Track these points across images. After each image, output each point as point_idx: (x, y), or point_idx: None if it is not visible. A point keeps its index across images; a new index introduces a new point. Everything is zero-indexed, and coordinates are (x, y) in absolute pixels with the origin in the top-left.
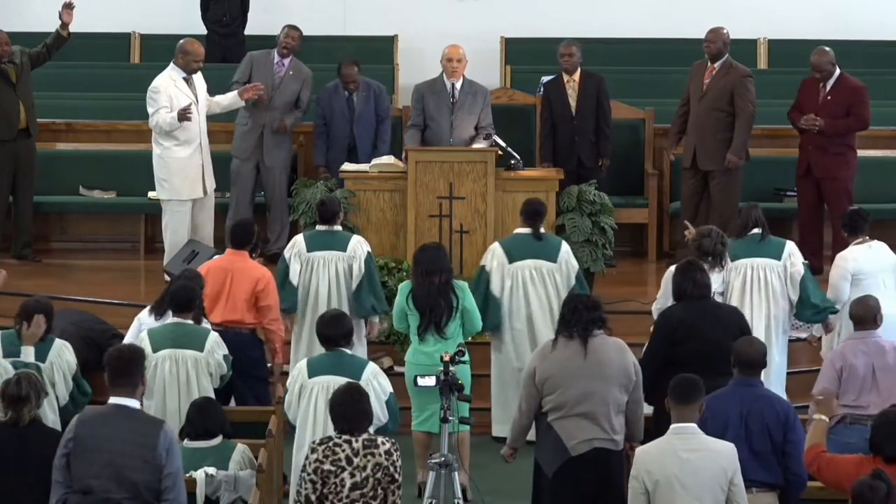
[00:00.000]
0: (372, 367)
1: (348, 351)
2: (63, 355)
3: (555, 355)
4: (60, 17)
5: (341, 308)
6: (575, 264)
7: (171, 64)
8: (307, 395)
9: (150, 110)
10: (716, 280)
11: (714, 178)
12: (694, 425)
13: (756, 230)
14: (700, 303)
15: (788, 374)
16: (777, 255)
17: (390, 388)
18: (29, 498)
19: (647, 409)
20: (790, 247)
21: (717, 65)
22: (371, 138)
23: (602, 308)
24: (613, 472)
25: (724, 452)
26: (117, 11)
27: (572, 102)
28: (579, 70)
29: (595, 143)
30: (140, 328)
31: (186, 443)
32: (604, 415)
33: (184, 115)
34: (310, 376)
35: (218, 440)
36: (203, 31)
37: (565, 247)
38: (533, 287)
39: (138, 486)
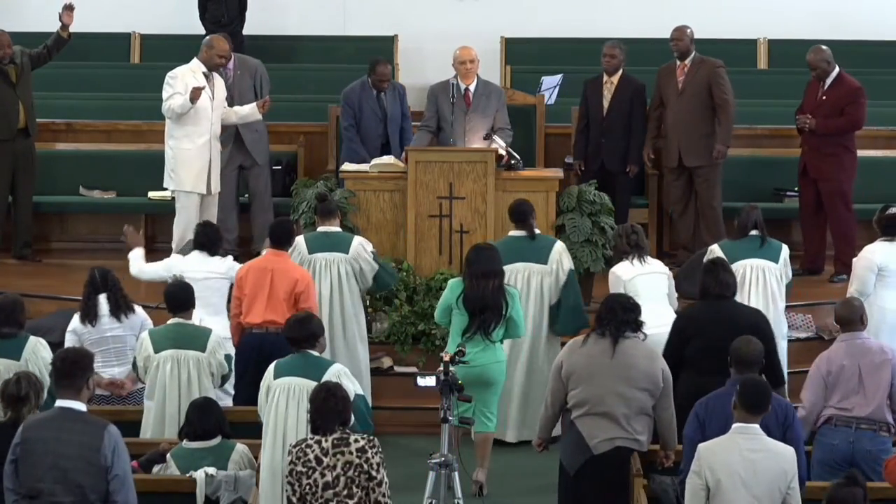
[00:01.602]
0: (335, 369)
1: (314, 353)
2: (38, 352)
3: (583, 350)
4: (61, 19)
5: (344, 310)
6: (567, 265)
7: (195, 58)
8: (271, 397)
9: (164, 95)
10: (642, 268)
11: (699, 174)
12: (757, 426)
13: (755, 232)
14: (717, 302)
15: (788, 373)
16: (775, 258)
17: (358, 390)
18: None
19: None
20: (785, 250)
21: (687, 62)
22: (398, 137)
23: (639, 311)
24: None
25: (786, 455)
26: (117, 11)
27: (605, 104)
28: (620, 72)
29: (622, 148)
30: (79, 339)
31: (185, 443)
32: (623, 416)
33: (195, 94)
34: (275, 378)
35: (217, 440)
36: (202, 31)
37: (558, 247)
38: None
39: (84, 488)
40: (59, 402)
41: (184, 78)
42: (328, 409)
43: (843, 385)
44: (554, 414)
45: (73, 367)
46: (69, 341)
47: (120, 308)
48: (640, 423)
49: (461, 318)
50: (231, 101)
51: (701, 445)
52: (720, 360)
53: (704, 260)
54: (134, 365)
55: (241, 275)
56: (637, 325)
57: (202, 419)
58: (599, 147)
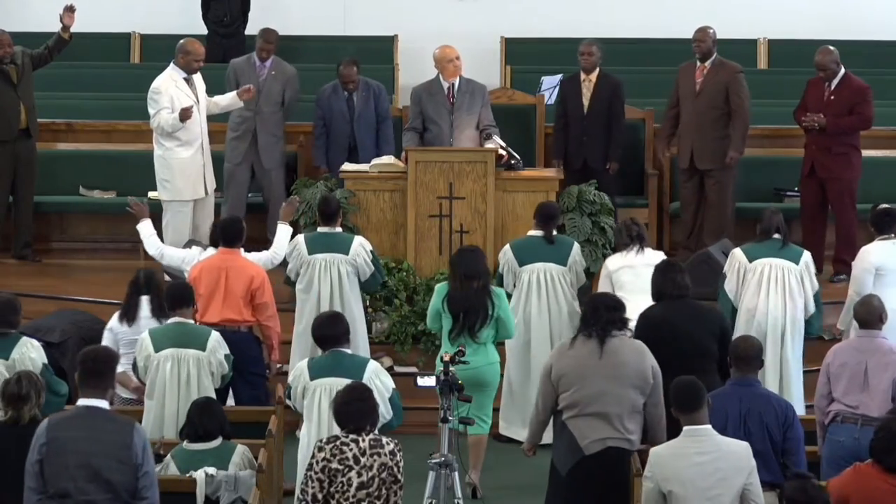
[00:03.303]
0: (373, 366)
1: (347, 350)
2: (26, 353)
3: (571, 353)
4: (62, 20)
5: (344, 311)
6: (585, 266)
7: (172, 64)
8: (310, 397)
9: (151, 111)
10: (633, 259)
11: (711, 176)
12: (707, 426)
13: (777, 235)
14: (679, 302)
15: (806, 372)
16: (795, 260)
17: (392, 385)
18: None
19: None
20: (807, 256)
21: (707, 63)
22: (372, 138)
23: (624, 309)
24: (627, 471)
25: (739, 453)
26: (117, 11)
27: (585, 102)
28: (597, 70)
29: (604, 146)
30: (115, 338)
31: (186, 444)
32: (616, 415)
33: (185, 115)
34: (311, 378)
35: (217, 441)
36: (203, 31)
37: (576, 248)
38: (537, 290)
39: (116, 486)
40: (84, 401)
41: (167, 90)
42: (366, 409)
43: (847, 380)
44: (546, 418)
45: (102, 367)
46: (106, 339)
47: (162, 310)
48: (633, 422)
49: (448, 321)
50: (256, 97)
51: (652, 451)
52: (690, 360)
53: (729, 266)
54: (134, 366)
55: (193, 276)
56: (623, 323)
57: (203, 419)
58: (582, 145)
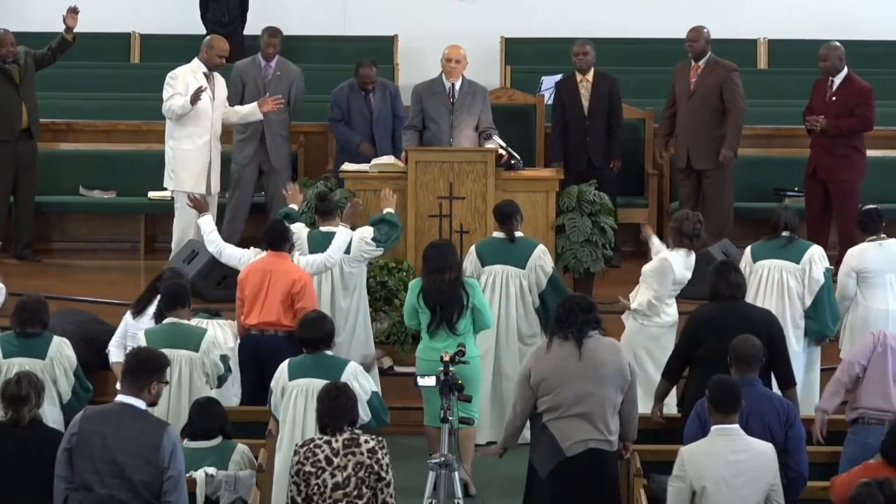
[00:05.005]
0: (352, 368)
1: (329, 352)
2: (62, 351)
3: (549, 356)
4: (65, 22)
5: (348, 314)
6: (548, 269)
7: (195, 58)
8: (287, 398)
9: (164, 95)
10: (685, 264)
11: (708, 176)
12: (736, 426)
13: (786, 233)
14: (729, 303)
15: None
16: (797, 259)
17: (372, 387)
18: (28, 498)
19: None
20: (813, 251)
21: (701, 63)
22: (389, 137)
23: (597, 309)
24: (608, 473)
25: (767, 453)
26: (117, 11)
27: (585, 102)
28: (593, 70)
29: (607, 144)
30: (125, 328)
31: (186, 442)
32: (600, 416)
33: (197, 96)
34: (290, 379)
35: (217, 440)
36: (203, 31)
37: (539, 251)
38: (491, 294)
39: (139, 485)
40: (120, 398)
41: (184, 78)
42: (338, 408)
43: (878, 380)
44: (522, 423)
45: (138, 366)
46: (119, 328)
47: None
48: (614, 422)
49: (426, 316)
50: (262, 98)
51: (683, 450)
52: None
53: (740, 263)
54: None
55: (241, 277)
56: (598, 323)
57: (203, 419)
58: (585, 146)
